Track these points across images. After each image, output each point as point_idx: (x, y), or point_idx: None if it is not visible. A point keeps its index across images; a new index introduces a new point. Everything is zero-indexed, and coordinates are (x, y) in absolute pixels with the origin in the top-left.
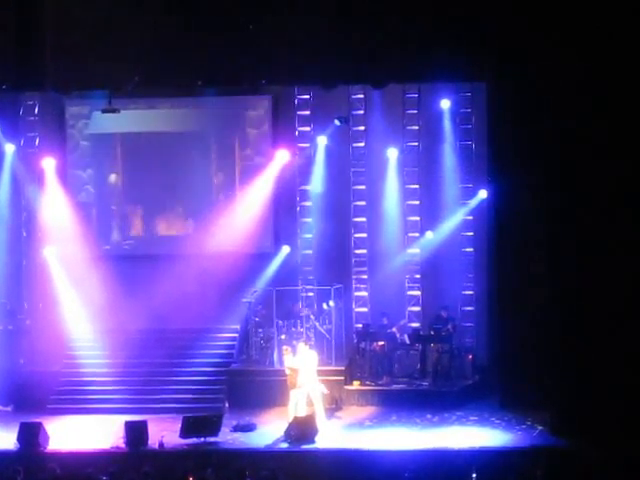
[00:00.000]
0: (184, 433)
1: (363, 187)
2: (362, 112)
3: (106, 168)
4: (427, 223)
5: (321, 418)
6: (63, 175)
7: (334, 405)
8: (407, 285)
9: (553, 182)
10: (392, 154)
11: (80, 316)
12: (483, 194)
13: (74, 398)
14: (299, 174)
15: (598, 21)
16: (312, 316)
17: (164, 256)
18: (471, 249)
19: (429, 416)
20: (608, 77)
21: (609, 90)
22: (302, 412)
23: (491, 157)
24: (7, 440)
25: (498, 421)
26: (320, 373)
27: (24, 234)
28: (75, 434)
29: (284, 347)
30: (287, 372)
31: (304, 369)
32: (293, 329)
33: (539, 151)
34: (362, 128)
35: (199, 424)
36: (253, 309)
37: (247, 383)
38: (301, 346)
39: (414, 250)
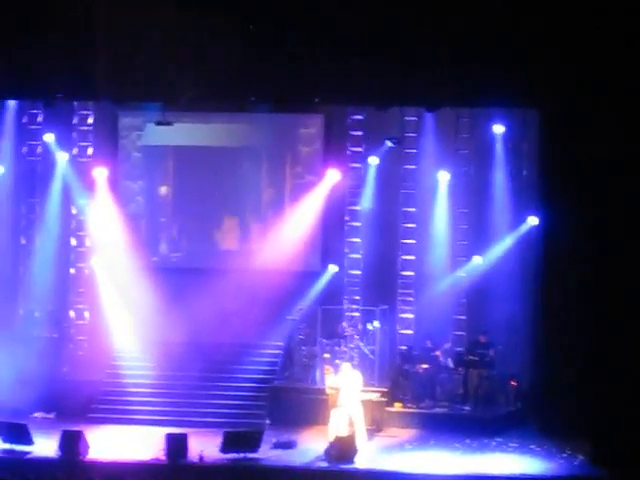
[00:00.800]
0: (224, 448)
1: (413, 209)
2: (415, 135)
3: (157, 180)
4: (475, 248)
5: (362, 438)
6: (114, 185)
7: (374, 426)
8: (453, 309)
9: (604, 211)
10: (443, 177)
11: (125, 327)
12: (533, 220)
13: (115, 408)
14: (349, 194)
15: None
16: (356, 336)
17: (211, 270)
18: (519, 276)
19: (469, 441)
20: None
21: None
22: (343, 432)
23: (542, 184)
24: (48, 447)
25: (538, 449)
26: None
27: (73, 243)
28: (115, 444)
29: (326, 367)
30: (329, 391)
31: (346, 389)
32: (337, 348)
33: (590, 179)
34: (414, 150)
35: (240, 439)
36: (297, 327)
37: (289, 400)
38: (345, 366)
39: (461, 274)
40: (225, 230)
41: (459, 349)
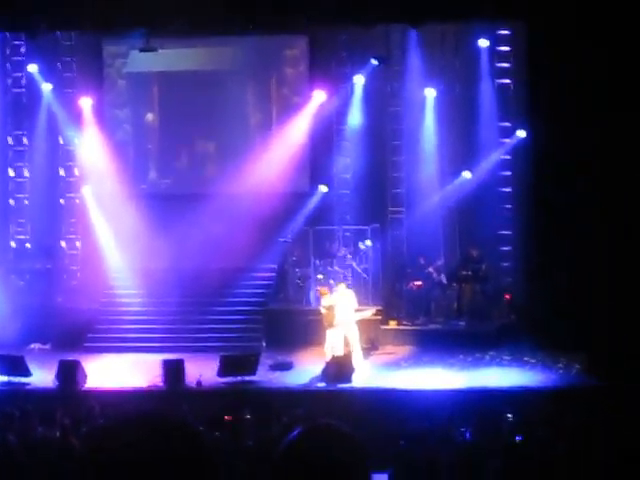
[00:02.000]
0: (222, 372)
1: (400, 126)
2: (400, 52)
3: (143, 107)
4: (464, 162)
5: (358, 358)
6: (100, 114)
7: (370, 345)
8: (444, 225)
9: (591, 122)
10: (430, 93)
11: (118, 255)
12: (521, 134)
13: (112, 337)
14: (336, 114)
15: None
16: (349, 255)
17: (200, 195)
18: (509, 189)
19: (465, 357)
20: None
21: None
22: (339, 352)
23: (529, 97)
24: (46, 378)
25: (534, 361)
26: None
27: (62, 173)
28: (112, 372)
29: (320, 288)
30: (323, 311)
31: (341, 308)
32: (330, 268)
33: (578, 91)
34: (400, 68)
35: (236, 363)
36: (289, 248)
37: (284, 322)
38: (340, 285)
39: (451, 189)
40: (213, 154)
41: (452, 265)
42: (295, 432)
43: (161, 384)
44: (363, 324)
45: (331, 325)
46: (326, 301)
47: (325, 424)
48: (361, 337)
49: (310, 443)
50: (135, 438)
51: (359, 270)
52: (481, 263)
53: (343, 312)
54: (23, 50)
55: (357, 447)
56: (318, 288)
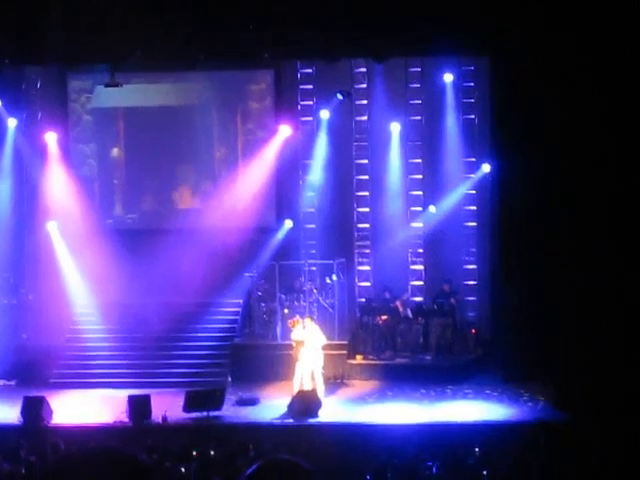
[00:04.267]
0: (187, 407)
1: (366, 161)
2: (365, 86)
3: (109, 142)
4: (430, 197)
5: (320, 394)
6: (65, 149)
7: (338, 380)
8: (410, 259)
9: (555, 156)
10: (395, 128)
11: (83, 290)
12: (486, 168)
13: (77, 372)
14: (301, 148)
15: None
16: (315, 290)
17: (166, 230)
18: (474, 223)
19: (431, 391)
20: (611, 49)
21: (612, 63)
22: (306, 386)
23: (494, 131)
24: (11, 414)
25: (501, 395)
26: (323, 347)
27: (26, 209)
28: (78, 408)
29: (292, 320)
30: (293, 344)
31: (308, 343)
32: (296, 303)
33: (541, 125)
34: (365, 102)
35: (202, 398)
36: (256, 283)
37: (250, 357)
38: (307, 321)
39: (417, 224)
40: (178, 190)
41: (418, 299)
42: (254, 466)
43: (127, 420)
44: (329, 359)
45: (299, 359)
46: (297, 334)
47: (284, 459)
48: (328, 372)
49: (268, 477)
50: (87, 472)
51: (325, 304)
52: (452, 297)
53: (310, 346)
54: None
55: None
56: (290, 320)
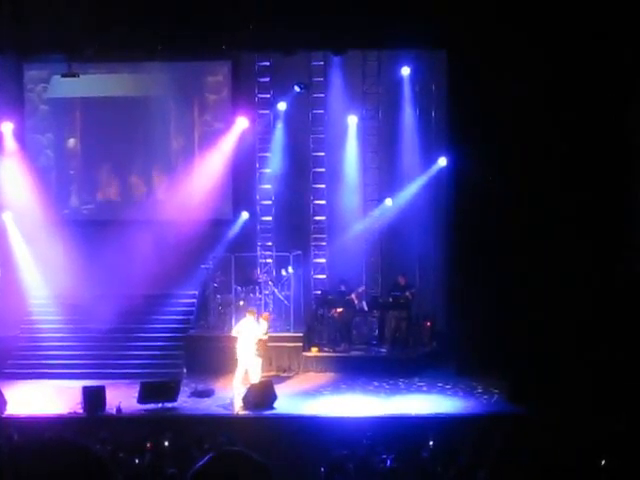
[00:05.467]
0: (142, 399)
1: (323, 154)
2: (322, 79)
3: (65, 132)
4: (386, 190)
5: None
6: (22, 139)
7: (291, 372)
8: (366, 252)
9: (510, 150)
10: (352, 121)
11: (38, 281)
12: (442, 161)
13: (31, 363)
14: (259, 140)
15: None
16: (271, 282)
17: (122, 221)
18: (430, 216)
19: (386, 383)
20: (566, 44)
21: (568, 58)
22: (255, 379)
23: (450, 125)
24: None
25: (455, 388)
26: (279, 339)
27: None
28: (32, 399)
29: (264, 314)
30: (264, 337)
31: (242, 339)
32: (251, 295)
33: (496, 119)
34: (322, 95)
35: (157, 390)
36: (211, 275)
37: (205, 349)
38: (249, 315)
39: (373, 217)
40: (135, 181)
41: (373, 292)
42: (205, 458)
43: (81, 411)
44: (285, 351)
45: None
46: (245, 326)
47: (235, 451)
48: (282, 363)
49: (218, 470)
50: (39, 464)
51: (281, 297)
52: (407, 290)
53: (244, 343)
54: None
55: (265, 474)
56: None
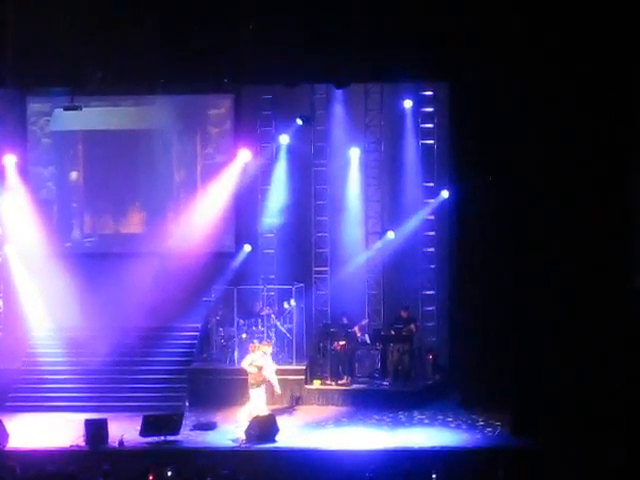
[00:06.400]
0: (144, 432)
1: (325, 186)
2: (324, 111)
3: (67, 165)
4: (388, 223)
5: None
6: (24, 172)
7: (294, 404)
8: (368, 285)
9: (514, 182)
10: (354, 153)
11: (40, 314)
12: (445, 194)
13: (34, 396)
14: (261, 173)
15: (560, 22)
16: (273, 315)
17: (125, 254)
18: (432, 249)
19: (389, 416)
20: (573, 79)
21: (571, 89)
22: (263, 411)
23: (453, 157)
24: None
25: (458, 421)
26: (281, 372)
27: None
28: (35, 432)
29: (265, 343)
30: (254, 370)
31: (266, 369)
32: (254, 328)
33: (500, 152)
34: (324, 127)
35: (159, 423)
36: (214, 308)
37: (207, 382)
38: (264, 346)
39: (375, 250)
40: (138, 213)
41: (375, 324)
42: None
43: (83, 444)
44: (287, 384)
45: (258, 384)
46: (259, 359)
47: None
48: (285, 396)
49: None
50: None
51: (283, 330)
52: (410, 323)
53: (267, 372)
54: None
55: None
56: (262, 344)
